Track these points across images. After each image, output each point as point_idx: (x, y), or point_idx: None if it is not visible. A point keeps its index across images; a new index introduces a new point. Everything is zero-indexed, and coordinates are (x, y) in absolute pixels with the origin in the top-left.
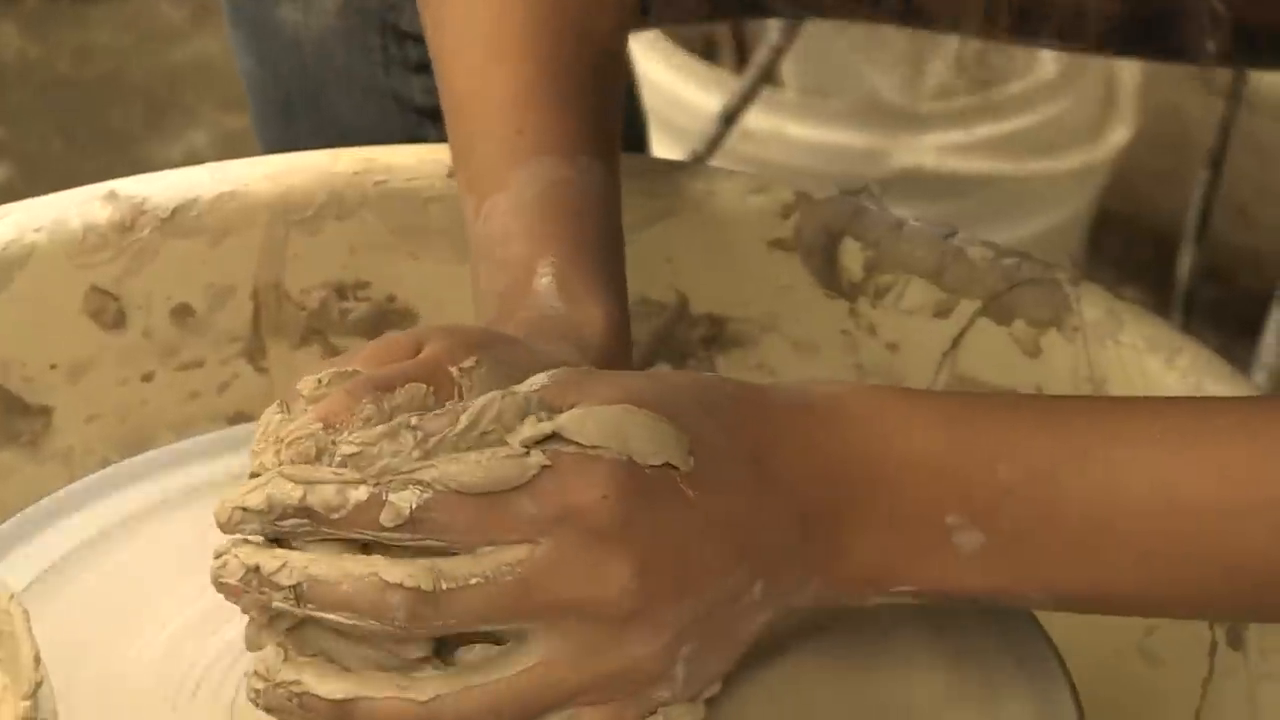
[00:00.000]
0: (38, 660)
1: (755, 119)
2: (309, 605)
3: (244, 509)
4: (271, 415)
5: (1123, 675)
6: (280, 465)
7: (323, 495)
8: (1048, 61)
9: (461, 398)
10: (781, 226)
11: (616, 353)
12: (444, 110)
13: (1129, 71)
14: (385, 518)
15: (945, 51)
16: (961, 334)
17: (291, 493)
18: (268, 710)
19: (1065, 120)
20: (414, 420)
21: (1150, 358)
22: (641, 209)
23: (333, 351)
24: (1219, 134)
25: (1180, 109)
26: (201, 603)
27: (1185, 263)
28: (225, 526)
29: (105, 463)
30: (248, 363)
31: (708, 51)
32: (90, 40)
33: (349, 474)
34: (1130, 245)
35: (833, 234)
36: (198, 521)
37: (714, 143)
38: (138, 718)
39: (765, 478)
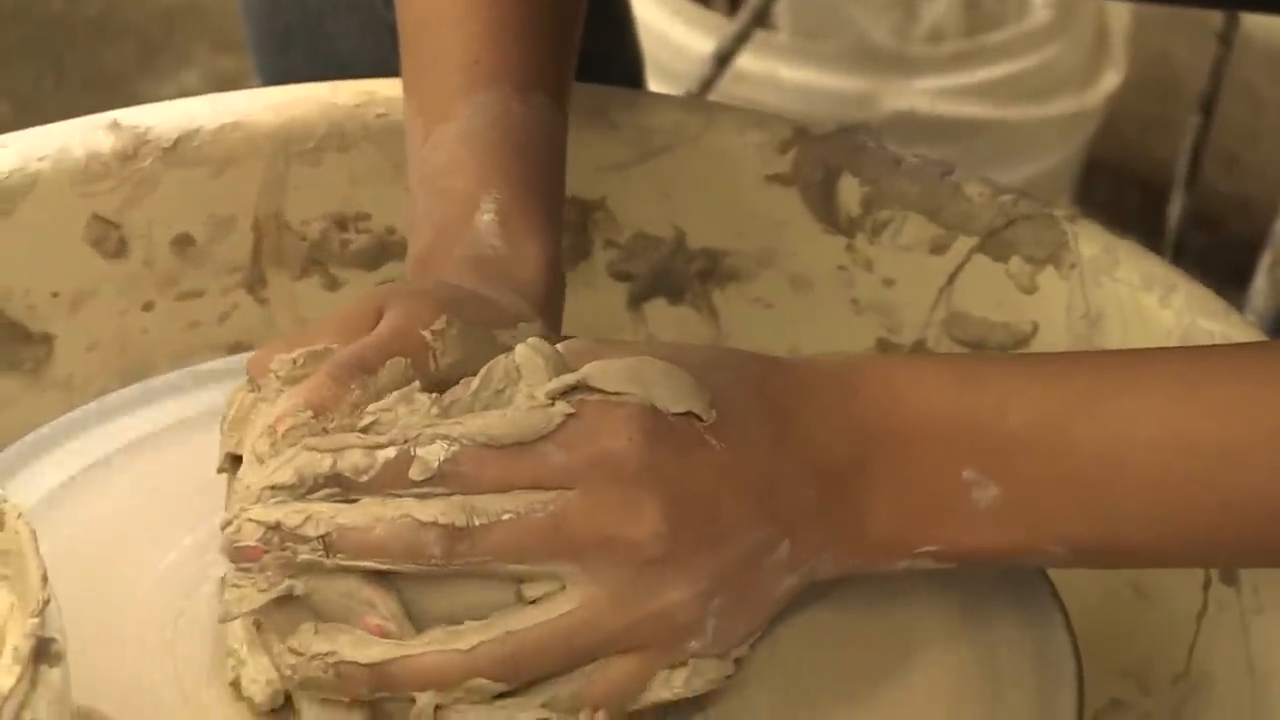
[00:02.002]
0: (45, 579)
1: (748, 62)
2: (339, 555)
3: (272, 487)
4: (244, 394)
5: (1117, 610)
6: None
7: (351, 459)
8: (1039, 7)
9: (436, 362)
10: (779, 161)
11: (552, 297)
12: (400, 34)
13: (1119, 17)
14: (414, 472)
15: None
16: (958, 270)
17: (321, 462)
18: (302, 687)
19: (1056, 66)
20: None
21: (1145, 295)
22: (639, 143)
23: (332, 282)
24: (1210, 80)
25: (1170, 54)
26: (198, 529)
27: (1175, 209)
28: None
29: (105, 391)
30: (248, 293)
31: None
32: None
33: (374, 438)
34: (1120, 191)
35: (831, 169)
36: (195, 449)
37: (707, 85)
38: (133, 643)
39: (785, 435)
